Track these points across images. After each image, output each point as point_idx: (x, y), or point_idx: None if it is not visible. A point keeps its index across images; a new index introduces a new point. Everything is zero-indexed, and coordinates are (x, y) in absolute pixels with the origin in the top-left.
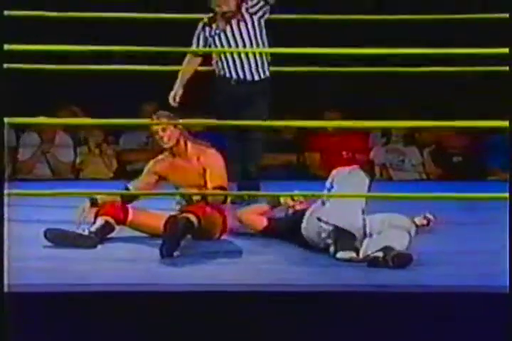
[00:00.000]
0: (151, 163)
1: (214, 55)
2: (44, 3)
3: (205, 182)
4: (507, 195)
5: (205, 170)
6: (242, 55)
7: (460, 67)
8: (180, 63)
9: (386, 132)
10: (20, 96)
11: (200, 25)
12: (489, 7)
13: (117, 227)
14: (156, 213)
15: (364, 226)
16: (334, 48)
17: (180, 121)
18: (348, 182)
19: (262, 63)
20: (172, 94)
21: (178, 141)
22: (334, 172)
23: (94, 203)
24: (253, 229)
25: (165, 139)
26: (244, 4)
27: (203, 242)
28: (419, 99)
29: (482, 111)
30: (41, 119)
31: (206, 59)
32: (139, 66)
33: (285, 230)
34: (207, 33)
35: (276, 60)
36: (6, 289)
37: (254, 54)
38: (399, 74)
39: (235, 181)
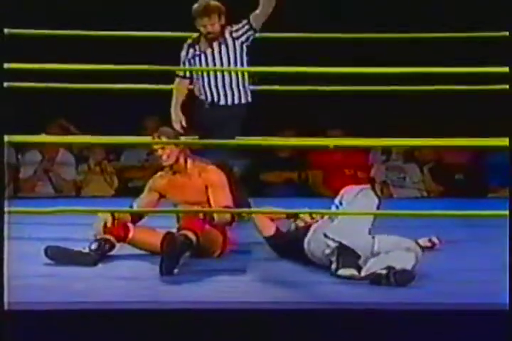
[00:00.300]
0: (151, 180)
1: (194, 77)
2: (43, 21)
3: (208, 200)
4: (507, 212)
5: (207, 188)
6: (218, 79)
7: (460, 86)
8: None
9: (386, 149)
10: (17, 113)
11: (185, 46)
12: (489, 25)
13: (118, 245)
14: (157, 231)
15: (372, 245)
16: (331, 67)
17: (183, 139)
18: (357, 201)
19: (238, 88)
20: (175, 120)
21: (177, 159)
22: (344, 190)
23: (114, 217)
24: (260, 233)
25: (164, 157)
26: (228, 27)
27: (203, 260)
28: (419, 116)
29: (482, 129)
30: (42, 137)
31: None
32: (138, 85)
33: (288, 244)
34: (190, 55)
35: (276, 78)
36: (6, 307)
37: (230, 78)
38: (398, 93)
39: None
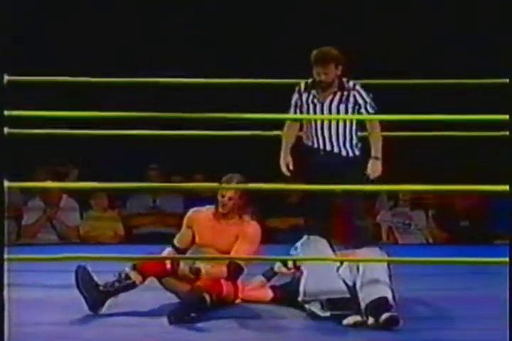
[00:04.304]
0: (190, 215)
1: (305, 122)
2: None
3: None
4: (507, 259)
5: (237, 238)
6: (333, 128)
7: (461, 132)
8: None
9: (393, 196)
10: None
11: (300, 90)
12: (489, 72)
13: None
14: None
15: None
16: None
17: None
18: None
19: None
20: (284, 163)
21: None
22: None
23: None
24: (260, 302)
25: (228, 205)
26: (356, 84)
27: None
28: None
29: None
30: (43, 183)
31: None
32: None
33: (292, 295)
34: (304, 100)
35: None
36: None
37: (344, 129)
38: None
39: None
